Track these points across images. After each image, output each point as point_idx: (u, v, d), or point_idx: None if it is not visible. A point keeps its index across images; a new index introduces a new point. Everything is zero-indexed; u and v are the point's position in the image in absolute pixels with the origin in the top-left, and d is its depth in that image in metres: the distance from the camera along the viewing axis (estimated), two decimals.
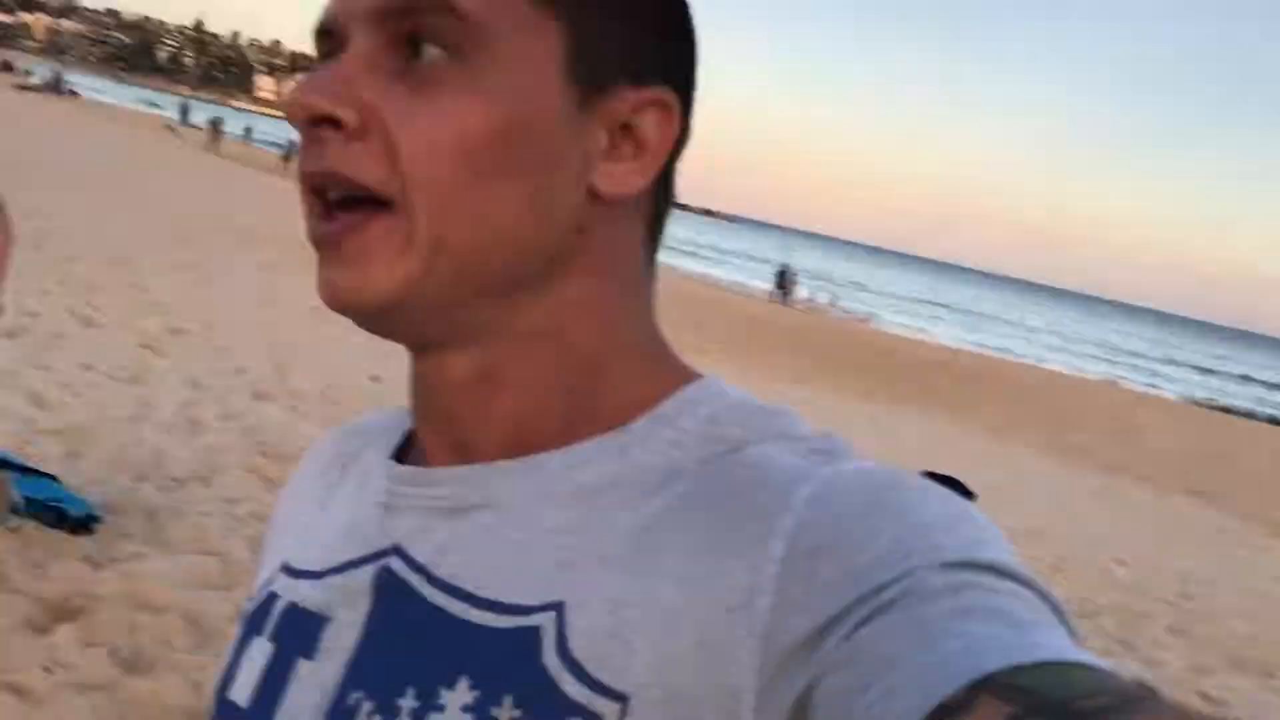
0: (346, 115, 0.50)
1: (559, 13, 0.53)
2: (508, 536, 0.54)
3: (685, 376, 0.58)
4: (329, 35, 0.54)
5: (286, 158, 39.19)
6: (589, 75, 0.53)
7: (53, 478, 3.83)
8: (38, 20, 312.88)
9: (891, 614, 0.43)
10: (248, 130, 50.89)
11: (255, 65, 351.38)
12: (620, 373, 0.57)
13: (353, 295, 0.52)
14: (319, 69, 0.53)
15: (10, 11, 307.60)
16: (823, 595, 0.45)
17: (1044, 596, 0.45)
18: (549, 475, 0.55)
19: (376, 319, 0.53)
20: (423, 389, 0.58)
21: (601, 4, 0.54)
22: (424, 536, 0.56)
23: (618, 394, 0.56)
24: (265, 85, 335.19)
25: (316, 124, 0.51)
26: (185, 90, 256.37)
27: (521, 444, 0.56)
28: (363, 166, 0.50)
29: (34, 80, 58.57)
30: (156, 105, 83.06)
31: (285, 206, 21.50)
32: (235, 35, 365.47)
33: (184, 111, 52.26)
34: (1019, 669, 0.38)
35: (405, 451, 0.63)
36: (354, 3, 0.52)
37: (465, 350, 0.55)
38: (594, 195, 0.54)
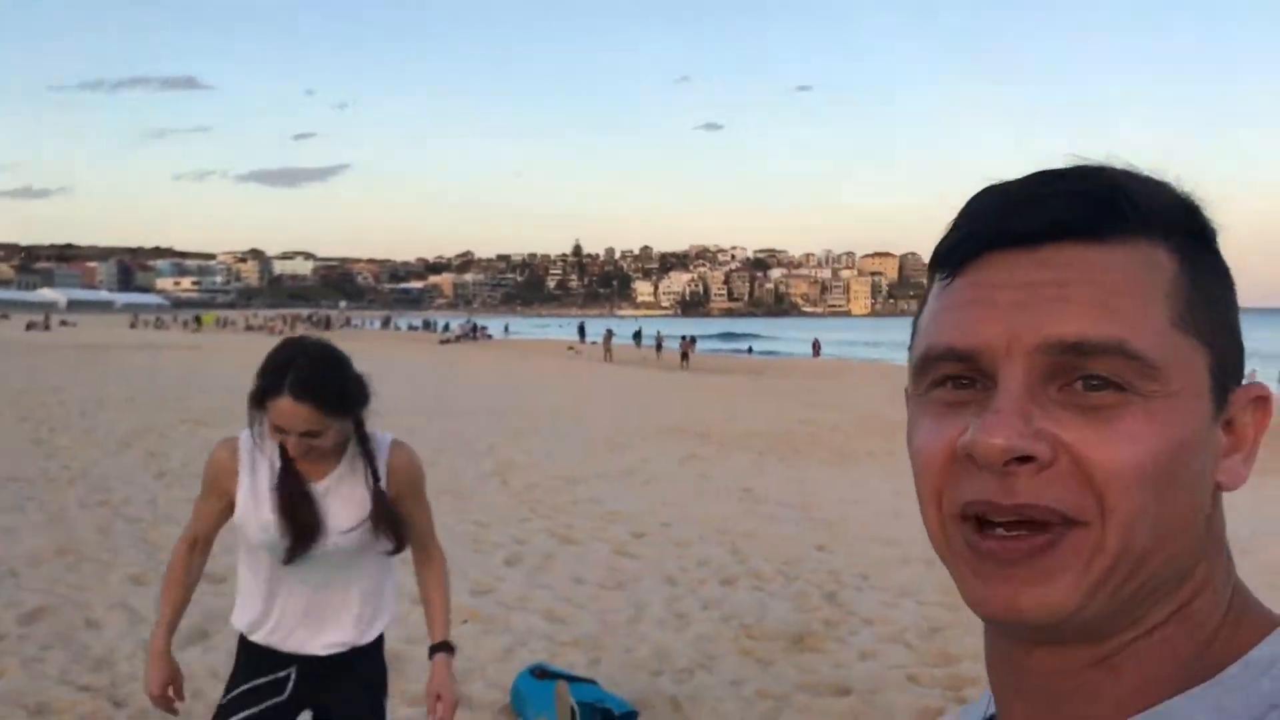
0: (1040, 450, 0.54)
1: (1202, 340, 0.58)
2: None
3: (1272, 621, 0.59)
4: (963, 360, 0.58)
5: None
6: (1222, 389, 0.59)
7: (592, 682, 4.37)
8: (444, 279, 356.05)
9: None
10: (637, 334, 54.56)
11: (631, 274, 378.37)
12: (1224, 632, 0.58)
13: (1038, 611, 0.55)
14: (996, 404, 0.55)
15: (422, 278, 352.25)
16: None
17: None
18: None
19: (1049, 629, 0.56)
20: (1026, 673, 0.61)
21: (1226, 326, 0.60)
22: None
23: (1217, 651, 0.57)
24: (643, 290, 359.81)
25: (1007, 463, 0.54)
26: (574, 310, 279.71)
27: (1102, 713, 0.58)
28: (1060, 494, 0.54)
29: (451, 333, 66.44)
30: (544, 328, 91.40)
31: (680, 399, 22.82)
32: (610, 251, 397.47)
33: (580, 331, 57.02)
34: None
35: None
36: (1020, 337, 0.56)
37: (1095, 642, 0.58)
38: (1216, 487, 0.59)
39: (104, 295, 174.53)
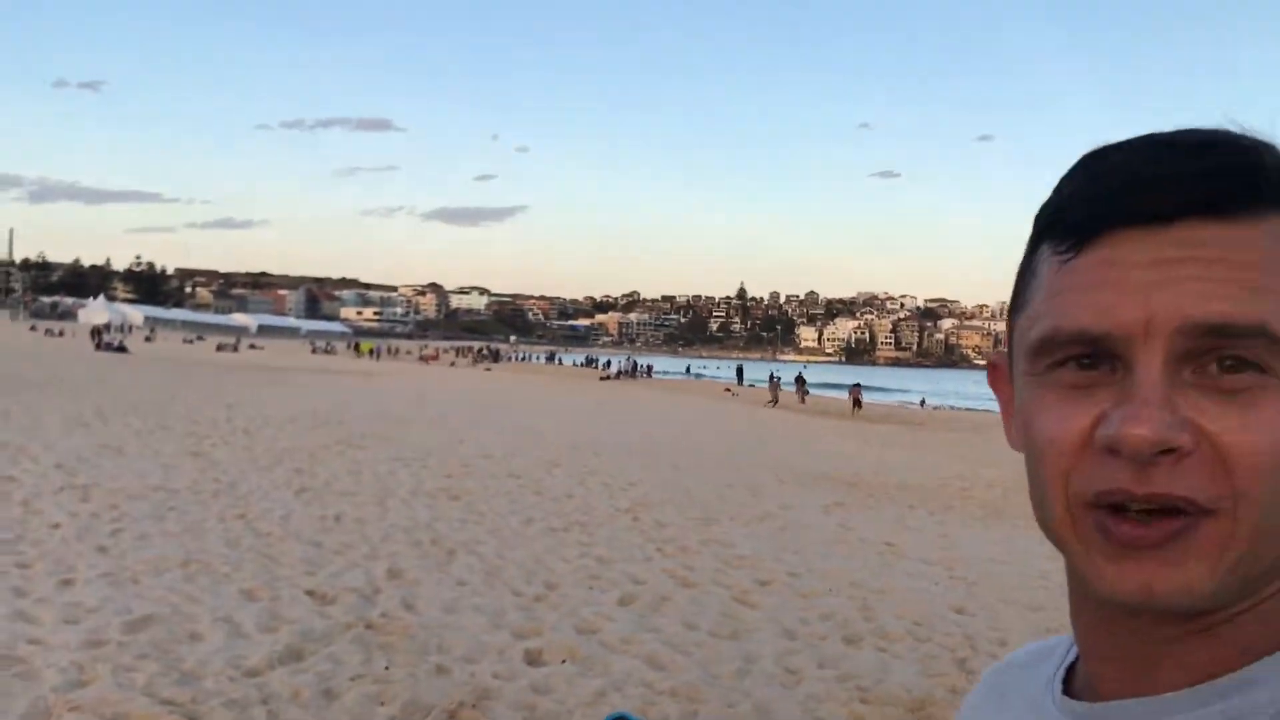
0: (1184, 441, 0.52)
1: None
2: None
3: None
4: (1093, 342, 0.56)
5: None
6: None
7: None
8: (609, 317, 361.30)
9: None
10: (799, 379, 53.76)
11: (795, 319, 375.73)
12: None
13: (1173, 597, 0.54)
14: (1139, 393, 0.53)
15: (589, 316, 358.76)
16: None
17: None
18: (1213, 712, 0.56)
19: (1182, 614, 0.56)
20: (1122, 637, 0.60)
21: None
22: None
23: None
24: (807, 335, 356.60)
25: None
26: (735, 353, 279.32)
27: (1193, 676, 0.57)
28: (1195, 483, 0.53)
29: (611, 370, 67.21)
30: (700, 373, 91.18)
31: (833, 447, 22.21)
32: (774, 295, 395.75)
33: (739, 373, 56.72)
34: None
35: (1066, 685, 0.67)
36: (1158, 319, 0.53)
37: (1207, 613, 0.57)
38: None
39: (291, 322, 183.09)
